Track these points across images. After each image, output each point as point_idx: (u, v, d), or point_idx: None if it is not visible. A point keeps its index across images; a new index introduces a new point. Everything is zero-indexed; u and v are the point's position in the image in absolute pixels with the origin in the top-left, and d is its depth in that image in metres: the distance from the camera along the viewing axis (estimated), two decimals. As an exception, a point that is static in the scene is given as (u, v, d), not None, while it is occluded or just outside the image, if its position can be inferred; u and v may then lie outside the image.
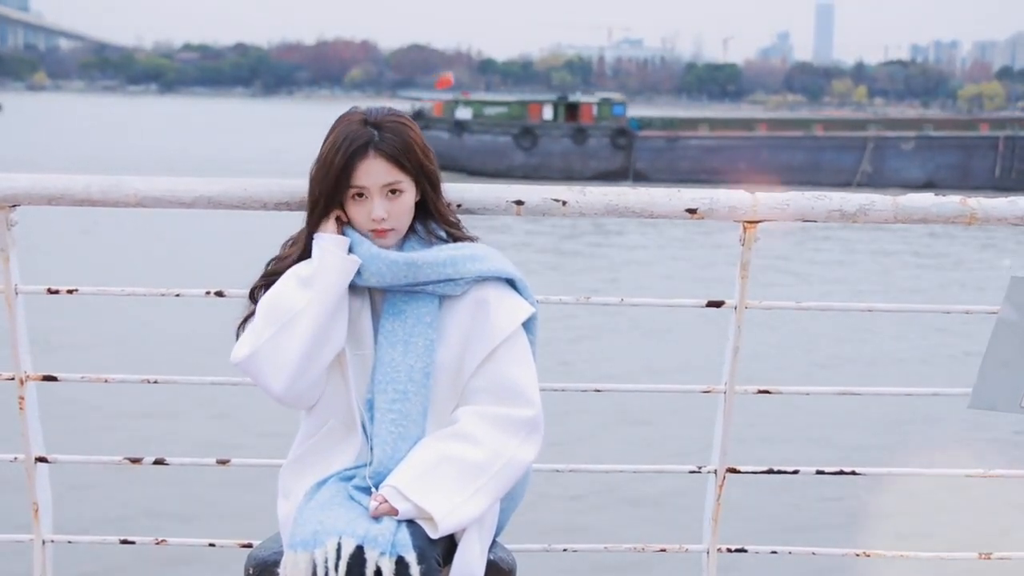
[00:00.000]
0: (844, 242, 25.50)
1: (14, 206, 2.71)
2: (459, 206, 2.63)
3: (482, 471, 2.32)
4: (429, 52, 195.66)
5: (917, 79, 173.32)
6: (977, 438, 10.18)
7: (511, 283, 2.46)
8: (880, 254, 24.18)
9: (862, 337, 14.84)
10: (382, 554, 2.17)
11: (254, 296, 2.45)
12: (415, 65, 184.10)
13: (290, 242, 2.49)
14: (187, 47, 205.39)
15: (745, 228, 2.74)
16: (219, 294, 2.88)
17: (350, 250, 2.39)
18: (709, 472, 2.95)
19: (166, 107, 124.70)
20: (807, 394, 3.13)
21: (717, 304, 2.85)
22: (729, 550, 3.00)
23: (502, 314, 2.41)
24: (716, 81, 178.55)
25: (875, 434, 10.47)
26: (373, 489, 2.32)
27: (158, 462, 2.99)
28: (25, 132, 62.03)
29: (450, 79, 52.38)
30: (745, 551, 3.02)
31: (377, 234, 2.39)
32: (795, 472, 3.03)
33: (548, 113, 43.60)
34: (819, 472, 3.04)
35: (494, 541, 2.51)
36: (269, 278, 2.45)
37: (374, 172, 2.35)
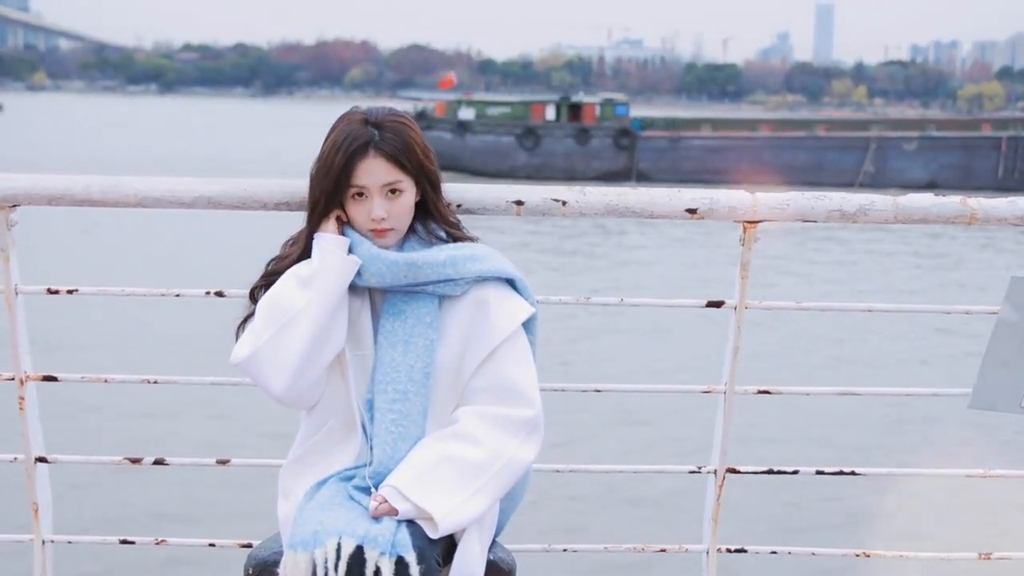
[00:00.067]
0: (845, 242, 25.50)
1: (14, 206, 2.71)
2: (459, 206, 2.63)
3: (482, 471, 2.32)
4: (429, 52, 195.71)
5: (917, 79, 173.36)
6: (977, 438, 10.18)
7: (511, 283, 2.46)
8: (880, 254, 24.19)
9: (862, 337, 14.84)
10: (382, 554, 2.17)
11: (254, 296, 2.45)
12: (415, 65, 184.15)
13: (290, 242, 2.49)
14: (187, 47, 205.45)
15: (745, 228, 2.74)
16: (219, 294, 2.88)
17: (350, 250, 2.39)
18: (709, 472, 2.95)
19: (166, 107, 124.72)
20: (807, 394, 3.14)
21: (717, 304, 2.85)
22: (729, 550, 3.00)
23: (502, 314, 2.41)
24: (716, 81, 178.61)
25: (875, 434, 10.48)
26: (373, 489, 2.32)
27: (158, 462, 3.00)
28: (25, 132, 62.03)
29: (452, 79, 52.39)
30: (745, 551, 3.02)
31: (377, 234, 2.39)
32: (795, 472, 3.03)
33: (551, 113, 43.62)
34: (819, 472, 3.04)
35: (494, 541, 2.51)
36: (269, 278, 2.45)
37: (374, 172, 2.35)
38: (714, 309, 2.86)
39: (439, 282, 2.40)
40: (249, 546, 2.74)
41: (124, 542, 3.04)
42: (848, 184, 38.05)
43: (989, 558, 3.05)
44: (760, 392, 2.96)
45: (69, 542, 3.06)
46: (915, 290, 19.93)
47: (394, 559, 2.17)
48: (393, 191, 2.38)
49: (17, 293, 2.79)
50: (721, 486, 2.92)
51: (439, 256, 2.40)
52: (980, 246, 25.79)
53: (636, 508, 8.42)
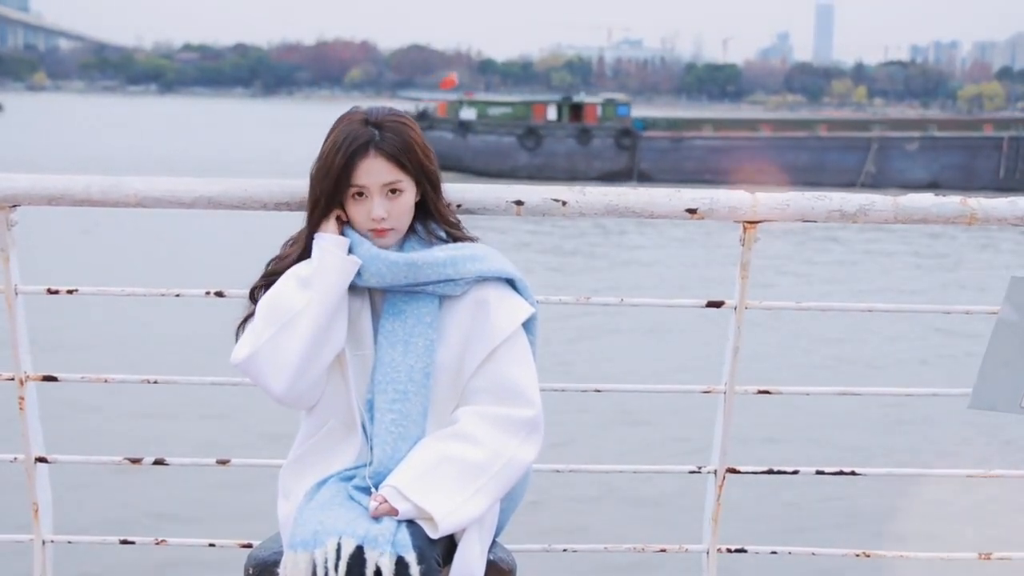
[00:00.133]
0: (845, 242, 25.50)
1: (14, 206, 2.71)
2: (459, 206, 2.63)
3: (482, 471, 2.32)
4: (429, 52, 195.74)
5: (917, 79, 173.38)
6: (977, 438, 10.18)
7: (511, 283, 2.46)
8: (881, 255, 24.19)
9: (862, 337, 14.84)
10: (382, 554, 2.17)
11: (254, 296, 2.45)
12: (415, 65, 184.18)
13: (290, 242, 2.49)
14: (187, 47, 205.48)
15: (745, 228, 2.74)
16: (219, 294, 2.88)
17: (350, 250, 2.39)
18: (709, 472, 2.95)
19: (166, 107, 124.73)
20: (807, 394, 3.14)
21: (717, 304, 2.85)
22: (729, 550, 3.00)
23: (502, 314, 2.41)
24: (716, 81, 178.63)
25: (875, 434, 10.48)
26: (373, 489, 2.32)
27: (158, 462, 2.99)
28: (25, 132, 62.04)
29: (454, 79, 52.41)
30: (745, 551, 3.02)
31: (377, 234, 2.39)
32: (795, 472, 3.03)
33: (552, 114, 43.62)
34: (819, 472, 3.04)
35: (494, 541, 2.51)
36: (269, 278, 2.45)
37: (374, 171, 2.35)
38: (714, 309, 2.86)
39: (439, 282, 2.40)
40: (249, 546, 2.74)
41: (124, 542, 3.04)
42: (850, 184, 38.07)
43: (989, 558, 3.05)
44: (760, 392, 2.96)
45: (69, 542, 3.06)
46: (915, 290, 19.93)
47: (394, 559, 2.17)
48: (393, 191, 2.38)
49: (17, 293, 2.79)
50: (721, 486, 2.92)
51: (439, 256, 2.40)
52: (980, 246, 25.79)
53: (636, 508, 8.42)
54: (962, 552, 3.12)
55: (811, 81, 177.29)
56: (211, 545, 3.03)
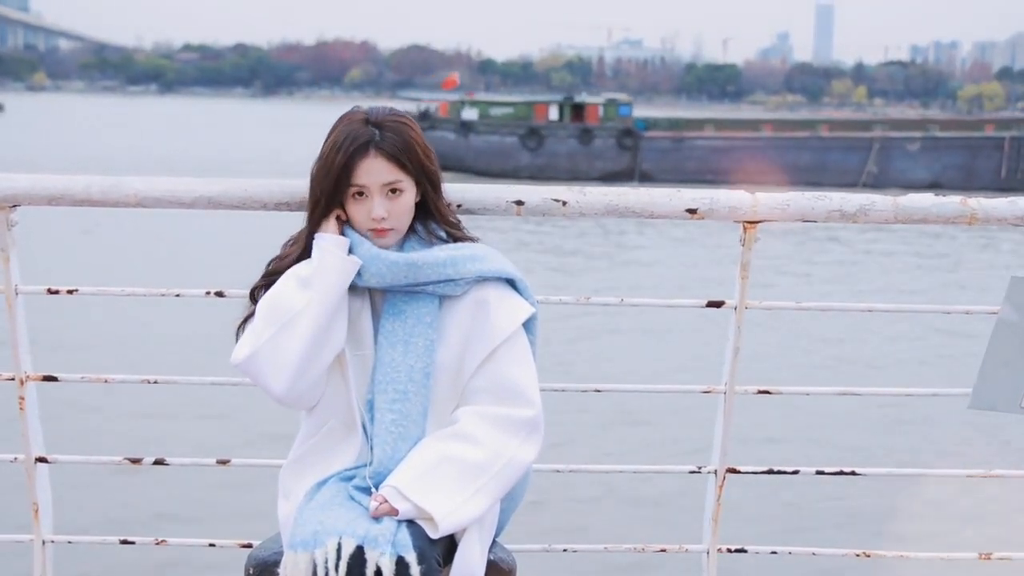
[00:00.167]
0: (846, 243, 25.50)
1: (14, 206, 2.71)
2: (459, 206, 2.63)
3: (482, 471, 2.32)
4: (429, 52, 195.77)
5: (917, 79, 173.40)
6: (977, 439, 10.18)
7: (511, 283, 2.46)
8: (881, 255, 24.18)
9: (862, 337, 14.84)
10: (382, 554, 2.17)
11: (255, 296, 2.45)
12: (415, 65, 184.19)
13: (290, 242, 2.49)
14: (187, 47, 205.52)
15: (745, 228, 2.74)
16: (219, 294, 2.88)
17: (350, 251, 2.39)
18: (709, 472, 2.95)
19: (166, 107, 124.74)
20: (807, 394, 3.14)
21: (717, 304, 2.85)
22: (729, 550, 3.00)
23: (502, 314, 2.41)
24: (716, 81, 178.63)
25: (875, 434, 10.48)
26: (373, 489, 2.32)
27: (158, 462, 2.99)
28: (25, 132, 62.04)
29: (456, 80, 52.44)
30: (745, 551, 3.02)
31: (377, 233, 2.39)
32: (795, 472, 3.03)
33: (554, 114, 43.64)
34: (819, 472, 3.04)
35: (494, 541, 2.51)
36: (269, 278, 2.45)
37: (375, 171, 2.35)
38: (714, 309, 2.86)
39: (439, 282, 2.40)
40: (249, 546, 2.74)
41: (124, 542, 3.04)
42: (851, 184, 38.09)
43: (989, 558, 3.05)
44: (760, 392, 2.96)
45: (69, 542, 3.06)
46: (915, 290, 19.93)
47: (394, 559, 2.17)
48: (393, 191, 2.38)
49: (17, 293, 2.79)
50: (721, 486, 2.92)
51: (439, 256, 2.40)
52: (980, 246, 25.79)
53: (636, 508, 8.42)
54: (962, 552, 3.12)
55: (811, 81, 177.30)
56: (211, 545, 3.03)
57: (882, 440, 10.30)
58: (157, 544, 3.07)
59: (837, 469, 3.04)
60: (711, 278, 20.03)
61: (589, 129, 42.02)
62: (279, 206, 2.66)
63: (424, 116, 43.43)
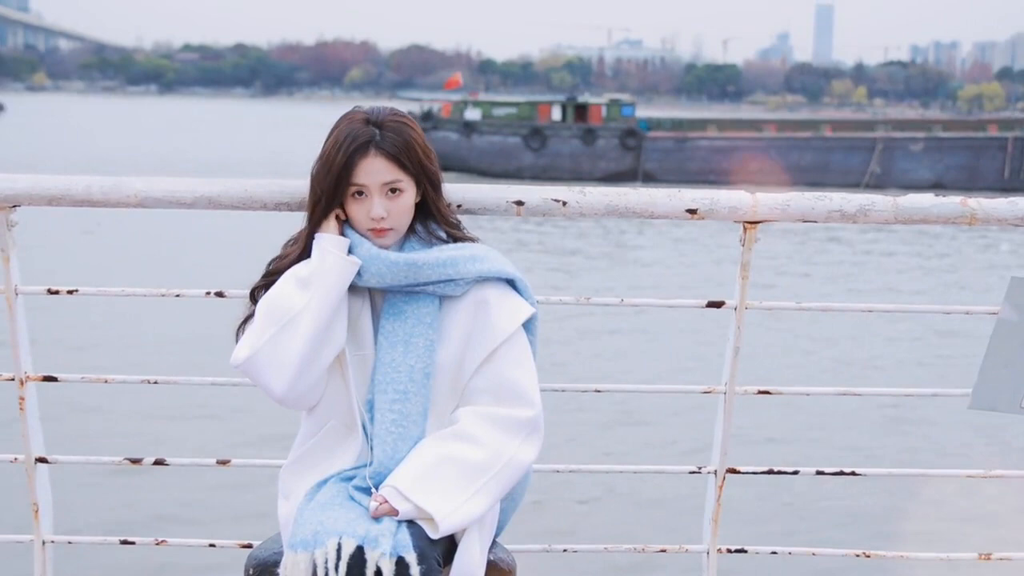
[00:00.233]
0: (846, 243, 25.50)
1: (14, 206, 2.71)
2: (459, 206, 2.63)
3: (482, 471, 2.32)
4: (429, 53, 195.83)
5: (917, 80, 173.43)
6: (977, 439, 10.18)
7: (511, 283, 2.46)
8: (881, 255, 24.18)
9: (862, 337, 14.83)
10: (382, 554, 2.17)
11: (255, 296, 2.45)
12: (415, 66, 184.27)
13: (291, 242, 2.49)
14: (187, 47, 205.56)
15: (745, 228, 2.74)
16: (219, 294, 2.88)
17: (350, 251, 2.39)
18: (709, 472, 2.95)
19: (166, 107, 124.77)
20: (807, 394, 3.14)
21: (717, 304, 2.85)
22: (729, 550, 3.00)
23: (502, 314, 2.41)
24: (716, 82, 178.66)
25: (875, 434, 10.47)
26: (373, 489, 2.32)
27: (158, 462, 2.99)
28: (25, 133, 62.05)
29: (459, 80, 52.43)
30: (745, 551, 3.02)
31: (376, 233, 2.39)
32: (795, 472, 3.03)
33: (557, 114, 43.65)
34: (819, 472, 3.04)
35: (494, 541, 2.51)
36: (269, 278, 2.45)
37: (374, 170, 2.35)
38: (714, 309, 2.86)
39: (439, 282, 2.40)
40: (249, 546, 2.75)
41: (124, 542, 3.04)
42: (854, 185, 38.11)
43: (989, 558, 3.05)
44: (760, 392, 2.96)
45: (69, 542, 3.06)
46: (915, 290, 19.93)
47: (394, 559, 2.17)
48: (393, 190, 2.38)
49: (17, 293, 2.79)
50: (721, 486, 2.92)
51: (439, 256, 2.40)
52: (980, 246, 25.79)
53: (636, 508, 8.42)
54: (962, 552, 3.12)
55: (811, 81, 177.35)
56: (211, 545, 3.03)
57: (882, 440, 10.29)
58: (157, 544, 3.07)
59: (837, 469, 3.03)
60: (711, 278, 20.03)
61: (592, 129, 42.02)
62: (279, 206, 2.66)
63: (427, 116, 43.49)
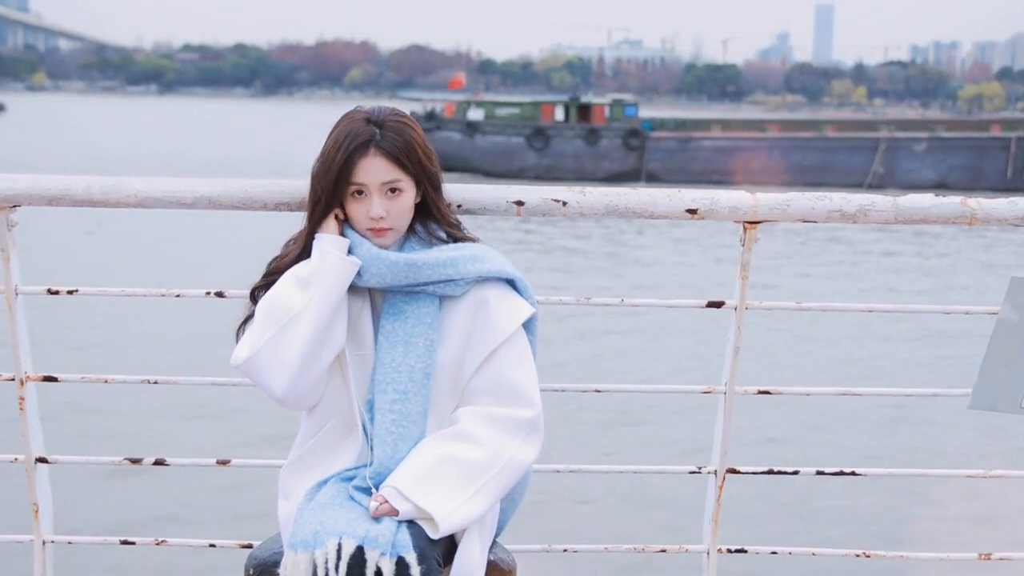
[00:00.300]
0: (847, 243, 25.50)
1: (14, 206, 2.71)
2: (459, 207, 2.63)
3: (483, 472, 2.32)
4: (429, 53, 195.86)
5: (917, 79, 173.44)
6: (977, 439, 10.18)
7: (511, 283, 2.46)
8: (882, 255, 24.18)
9: (862, 337, 14.83)
10: (382, 554, 2.17)
11: (255, 297, 2.45)
12: (415, 66, 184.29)
13: (291, 241, 2.49)
14: (187, 47, 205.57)
15: (745, 228, 2.74)
16: (219, 294, 2.88)
17: (350, 251, 2.39)
18: (709, 472, 2.95)
19: (166, 107, 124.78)
20: (807, 394, 3.14)
21: (717, 304, 2.85)
22: (729, 550, 3.00)
23: (502, 314, 2.41)
24: (716, 82, 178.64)
25: (875, 434, 10.48)
26: (373, 489, 2.32)
27: (158, 462, 2.99)
28: (25, 133, 62.06)
29: (462, 80, 52.48)
30: (745, 551, 3.02)
31: (375, 233, 2.39)
32: (795, 472, 3.03)
33: (560, 114, 43.66)
34: (819, 472, 3.04)
35: (494, 541, 2.51)
36: (269, 278, 2.45)
37: (374, 170, 2.35)
38: (714, 309, 2.86)
39: (439, 282, 2.40)
40: (249, 546, 2.75)
41: (124, 543, 3.04)
42: (857, 185, 38.12)
43: (989, 558, 3.05)
44: (760, 392, 2.96)
45: (69, 542, 3.06)
46: (916, 291, 19.93)
47: (395, 559, 2.17)
48: (393, 190, 2.38)
49: (17, 293, 2.79)
50: (721, 486, 2.92)
51: (439, 256, 2.40)
52: (980, 246, 25.79)
53: (636, 508, 8.42)
54: (962, 552, 3.12)
55: (811, 81, 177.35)
56: (211, 546, 3.03)
57: (882, 440, 10.30)
58: (157, 544, 3.07)
59: (837, 469, 3.03)
60: (711, 278, 20.04)
61: (595, 129, 42.02)
62: (279, 206, 2.66)
63: (430, 116, 43.52)
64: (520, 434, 2.37)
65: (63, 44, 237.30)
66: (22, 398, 2.83)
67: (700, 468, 2.99)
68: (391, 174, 2.37)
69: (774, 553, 3.08)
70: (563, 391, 3.03)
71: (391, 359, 2.39)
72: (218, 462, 3.01)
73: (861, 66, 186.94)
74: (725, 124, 46.48)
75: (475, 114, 43.89)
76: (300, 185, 2.57)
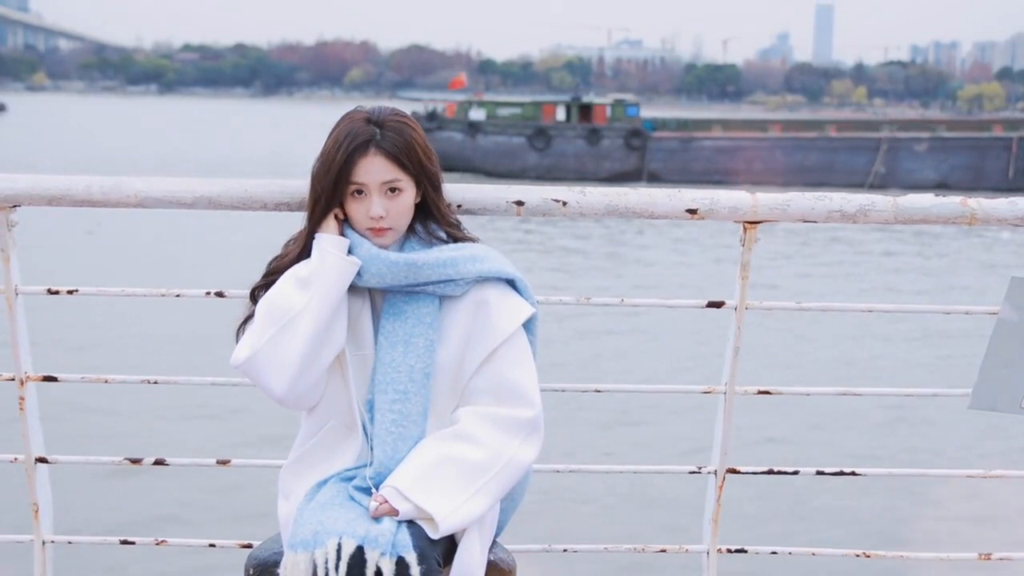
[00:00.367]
0: (847, 243, 25.50)
1: (14, 206, 2.71)
2: (459, 207, 2.63)
3: (483, 472, 2.32)
4: (429, 53, 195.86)
5: (917, 79, 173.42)
6: (977, 439, 10.18)
7: (511, 283, 2.46)
8: (882, 255, 24.18)
9: (862, 337, 14.83)
10: (382, 555, 2.17)
11: (255, 296, 2.45)
12: (415, 66, 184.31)
13: (292, 241, 2.49)
14: (187, 47, 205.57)
15: (745, 228, 2.74)
16: (219, 294, 2.88)
17: (350, 251, 2.39)
18: (709, 473, 2.95)
19: (166, 107, 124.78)
20: (807, 394, 3.14)
21: (717, 305, 2.84)
22: (729, 550, 3.00)
23: (502, 315, 2.41)
24: (716, 81, 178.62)
25: (875, 434, 10.48)
26: (373, 489, 2.32)
27: (158, 462, 2.99)
28: (25, 133, 62.06)
29: (463, 80, 52.50)
30: (745, 551, 3.02)
31: (374, 232, 2.39)
32: (795, 472, 3.03)
33: (562, 114, 43.67)
34: (819, 472, 3.04)
35: (494, 541, 2.51)
36: (269, 278, 2.45)
37: (374, 169, 2.35)
38: (714, 309, 2.86)
39: (439, 282, 2.40)
40: (249, 546, 2.75)
41: (124, 542, 3.04)
42: (859, 185, 38.13)
43: (989, 558, 3.05)
44: (760, 392, 2.95)
45: (69, 542, 3.06)
46: (916, 291, 19.93)
47: (395, 559, 2.17)
48: (392, 190, 2.38)
49: (17, 293, 2.79)
50: (721, 486, 2.92)
51: (439, 256, 2.40)
52: (980, 246, 25.79)
53: (636, 508, 8.42)
54: (962, 552, 3.12)
55: (811, 81, 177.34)
56: (211, 545, 3.03)
57: (882, 440, 10.30)
58: (157, 544, 3.07)
59: (837, 469, 3.03)
60: (711, 278, 20.03)
61: (597, 129, 42.02)
62: (279, 206, 2.66)
63: (432, 117, 43.53)
64: (520, 434, 2.37)
65: (63, 44, 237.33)
66: (22, 398, 2.83)
67: (700, 468, 2.99)
68: (391, 174, 2.37)
69: (774, 553, 3.08)
70: (563, 391, 3.03)
71: (391, 359, 2.39)
72: (218, 462, 3.01)
73: (861, 66, 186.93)
74: (727, 124, 46.46)
75: (477, 114, 43.90)
76: (300, 185, 2.57)
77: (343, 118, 2.41)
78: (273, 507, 2.49)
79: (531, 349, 2.46)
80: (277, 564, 2.32)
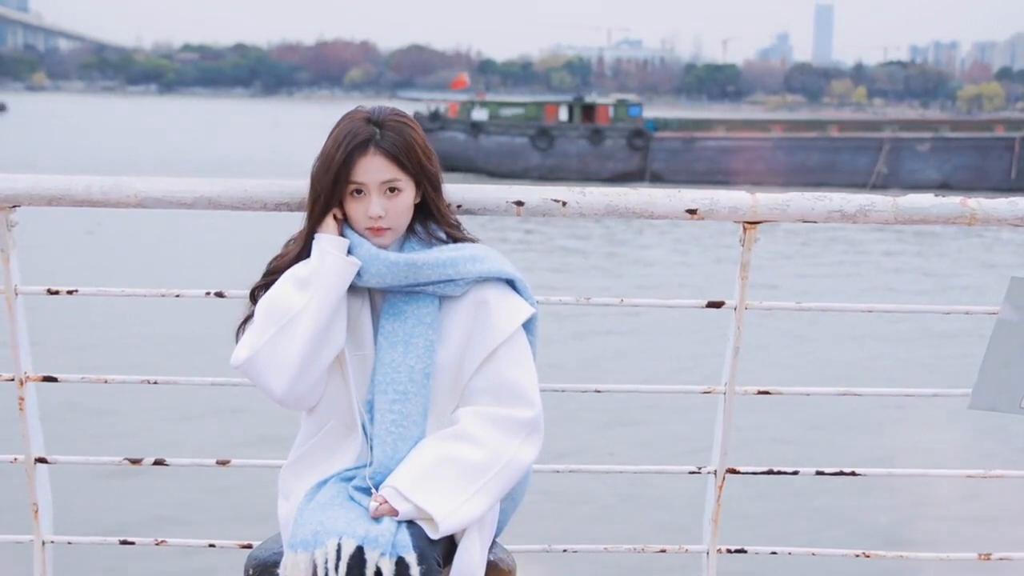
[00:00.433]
0: (848, 243, 25.50)
1: (14, 206, 2.71)
2: (459, 207, 2.63)
3: (483, 472, 2.32)
4: (429, 53, 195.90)
5: (916, 79, 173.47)
6: (977, 439, 10.18)
7: (511, 284, 2.46)
8: (882, 255, 24.18)
9: (862, 338, 14.83)
10: (382, 555, 2.17)
11: (255, 297, 2.45)
12: (415, 66, 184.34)
13: (291, 241, 2.49)
14: (187, 47, 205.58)
15: (745, 229, 2.74)
16: (219, 295, 2.88)
17: (350, 251, 2.39)
18: (709, 473, 2.95)
19: (166, 107, 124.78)
20: (807, 394, 3.13)
21: (717, 305, 2.84)
22: (729, 550, 3.00)
23: (502, 315, 2.41)
24: (716, 82, 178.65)
25: (875, 434, 10.48)
26: (373, 490, 2.32)
27: (158, 463, 2.99)
28: (25, 133, 62.06)
29: (465, 80, 52.50)
30: (745, 551, 3.02)
31: (374, 232, 2.39)
32: (795, 472, 3.03)
33: (564, 114, 43.63)
34: (819, 472, 3.04)
35: (494, 542, 2.51)
36: (269, 278, 2.45)
37: (373, 169, 2.36)
38: (714, 309, 2.86)
39: (439, 282, 2.40)
40: (249, 547, 2.75)
41: (124, 543, 3.04)
42: (861, 185, 38.11)
43: (989, 558, 3.05)
44: (760, 392, 2.96)
45: (69, 543, 3.06)
46: (916, 291, 19.93)
47: (394, 560, 2.17)
48: (392, 189, 2.38)
49: (17, 293, 2.79)
50: (721, 486, 2.92)
51: (439, 257, 2.40)
52: (980, 246, 25.79)
53: (636, 508, 8.42)
54: (962, 552, 3.12)
55: (811, 81, 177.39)
56: (211, 546, 3.03)
57: (882, 440, 10.30)
58: (157, 545, 3.07)
59: (837, 469, 3.03)
60: (711, 278, 20.03)
61: (599, 130, 42.00)
62: (279, 206, 2.66)
63: (434, 117, 43.51)
64: (520, 434, 2.37)
65: (63, 44, 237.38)
66: (22, 398, 2.83)
67: (700, 468, 2.99)
68: (390, 173, 2.37)
69: (774, 553, 3.08)
70: (563, 391, 3.03)
71: (391, 359, 2.39)
72: (218, 462, 3.01)
73: (861, 66, 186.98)
74: (729, 124, 46.43)
75: (479, 114, 43.88)
76: (300, 185, 2.57)
77: (343, 118, 2.41)
78: (273, 507, 2.49)
79: (531, 349, 2.46)
80: (277, 564, 2.32)
